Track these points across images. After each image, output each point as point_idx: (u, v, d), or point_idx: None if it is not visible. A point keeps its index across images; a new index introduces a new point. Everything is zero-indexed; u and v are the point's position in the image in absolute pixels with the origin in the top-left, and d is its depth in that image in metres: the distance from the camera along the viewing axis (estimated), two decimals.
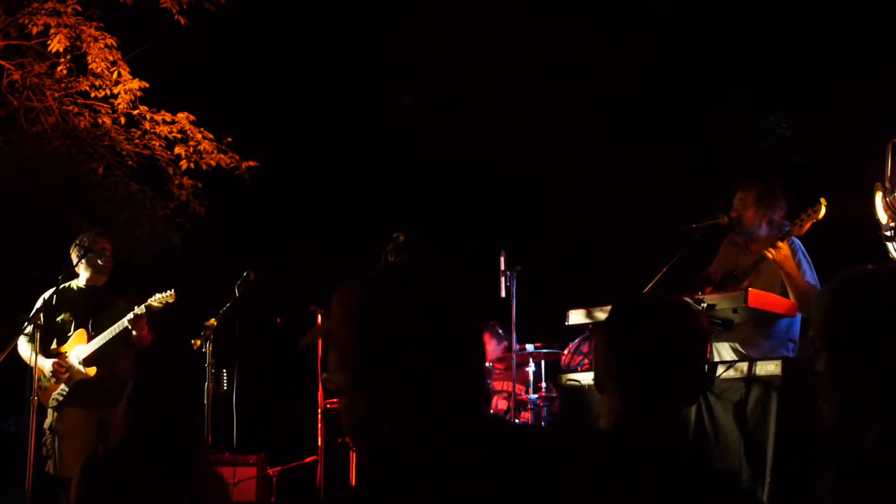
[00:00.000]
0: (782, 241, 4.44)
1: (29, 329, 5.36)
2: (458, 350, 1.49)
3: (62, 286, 5.52)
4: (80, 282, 5.55)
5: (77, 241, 5.55)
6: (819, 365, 1.70)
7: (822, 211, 4.39)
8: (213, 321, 5.51)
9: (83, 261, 5.49)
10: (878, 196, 4.09)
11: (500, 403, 6.89)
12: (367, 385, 1.47)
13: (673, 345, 1.94)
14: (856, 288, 1.70)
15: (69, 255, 5.54)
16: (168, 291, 5.35)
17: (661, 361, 1.92)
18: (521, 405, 6.62)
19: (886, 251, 4.08)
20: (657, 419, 1.90)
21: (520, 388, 6.67)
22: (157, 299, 5.31)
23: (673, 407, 1.94)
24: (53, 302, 5.50)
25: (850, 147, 8.24)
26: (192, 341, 5.57)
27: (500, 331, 7.17)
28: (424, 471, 1.42)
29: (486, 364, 6.81)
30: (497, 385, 6.90)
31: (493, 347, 7.32)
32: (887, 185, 4.08)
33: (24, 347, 5.43)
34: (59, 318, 5.50)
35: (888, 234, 4.06)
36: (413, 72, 11.18)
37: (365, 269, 1.56)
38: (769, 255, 4.45)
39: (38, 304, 5.48)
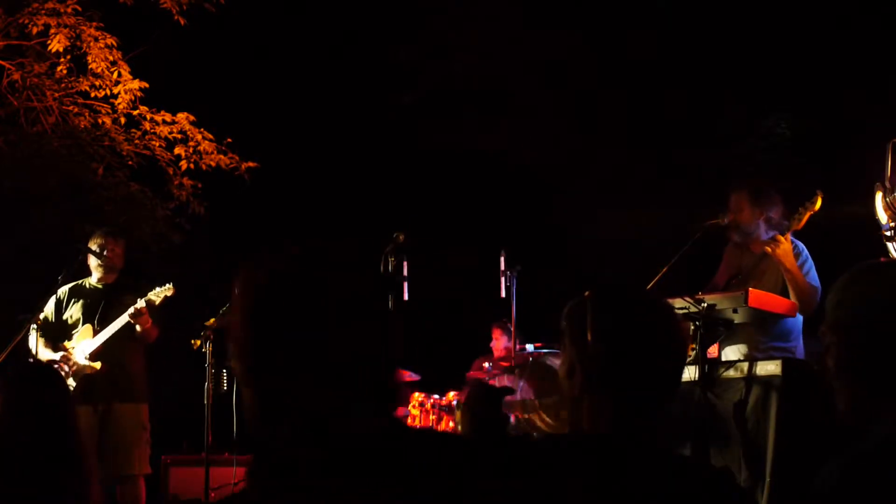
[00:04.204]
0: (782, 235, 4.45)
1: (35, 325, 5.48)
2: (355, 349, 1.40)
3: (75, 284, 5.67)
4: (92, 279, 5.68)
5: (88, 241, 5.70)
6: (829, 359, 1.69)
7: (819, 203, 4.42)
8: (213, 321, 5.54)
9: (88, 259, 5.61)
10: (878, 196, 4.10)
11: None
12: (256, 378, 1.40)
13: (662, 341, 1.88)
14: (864, 281, 1.69)
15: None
16: (167, 285, 5.44)
17: (653, 359, 1.87)
18: None
19: (886, 251, 4.08)
20: (650, 417, 1.87)
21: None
22: (155, 293, 5.41)
23: (661, 404, 1.90)
24: (65, 299, 5.65)
25: (850, 147, 8.24)
26: (192, 341, 5.59)
27: (511, 327, 7.19)
28: (313, 473, 1.34)
29: (486, 364, 6.85)
30: (499, 382, 6.91)
31: (503, 343, 7.34)
32: (887, 184, 4.09)
33: (34, 343, 5.54)
34: (68, 315, 5.63)
35: (888, 234, 4.06)
36: (413, 72, 11.18)
37: (264, 254, 1.48)
38: (769, 250, 4.45)
39: (51, 300, 5.61)
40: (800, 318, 4.60)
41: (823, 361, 1.72)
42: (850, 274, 1.72)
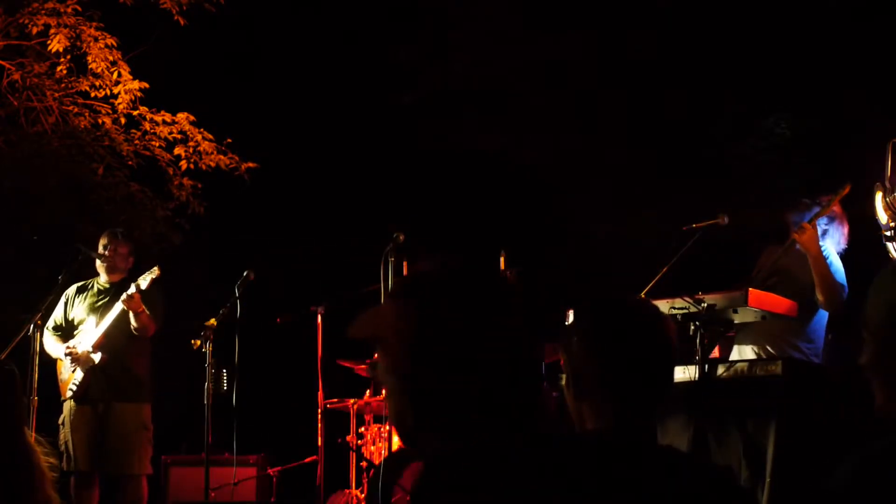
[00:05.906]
0: (810, 221, 4.47)
1: (49, 324, 5.62)
2: (509, 361, 1.46)
3: (83, 283, 5.78)
4: (101, 280, 5.77)
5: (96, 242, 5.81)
6: (863, 355, 1.69)
7: (847, 190, 4.46)
8: (213, 321, 5.55)
9: (94, 261, 5.70)
10: (878, 196, 4.11)
11: None
12: (414, 391, 1.45)
13: (657, 344, 1.93)
14: (890, 283, 1.69)
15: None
16: (153, 268, 5.50)
17: (649, 362, 1.91)
18: None
19: (886, 251, 4.09)
20: (648, 417, 1.90)
21: None
22: (143, 277, 5.46)
23: (655, 406, 1.94)
24: (72, 298, 5.75)
25: (850, 147, 8.24)
26: (192, 341, 5.61)
27: None
28: (474, 481, 1.39)
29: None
30: None
31: None
32: (887, 184, 4.09)
33: (48, 341, 5.62)
34: (74, 314, 5.73)
35: (888, 234, 4.06)
36: (413, 72, 11.17)
37: (423, 272, 1.54)
38: (795, 237, 4.46)
39: (61, 299, 5.72)
40: (823, 317, 4.58)
41: (858, 357, 1.73)
42: (882, 272, 1.73)
